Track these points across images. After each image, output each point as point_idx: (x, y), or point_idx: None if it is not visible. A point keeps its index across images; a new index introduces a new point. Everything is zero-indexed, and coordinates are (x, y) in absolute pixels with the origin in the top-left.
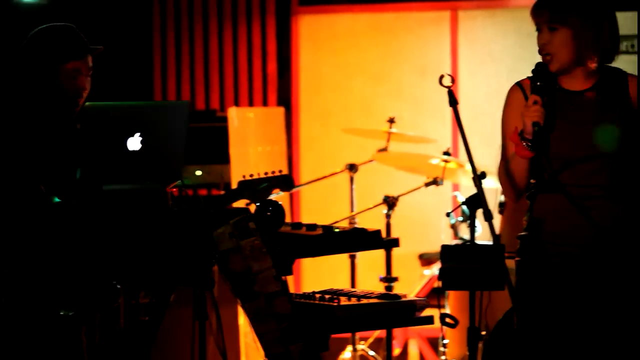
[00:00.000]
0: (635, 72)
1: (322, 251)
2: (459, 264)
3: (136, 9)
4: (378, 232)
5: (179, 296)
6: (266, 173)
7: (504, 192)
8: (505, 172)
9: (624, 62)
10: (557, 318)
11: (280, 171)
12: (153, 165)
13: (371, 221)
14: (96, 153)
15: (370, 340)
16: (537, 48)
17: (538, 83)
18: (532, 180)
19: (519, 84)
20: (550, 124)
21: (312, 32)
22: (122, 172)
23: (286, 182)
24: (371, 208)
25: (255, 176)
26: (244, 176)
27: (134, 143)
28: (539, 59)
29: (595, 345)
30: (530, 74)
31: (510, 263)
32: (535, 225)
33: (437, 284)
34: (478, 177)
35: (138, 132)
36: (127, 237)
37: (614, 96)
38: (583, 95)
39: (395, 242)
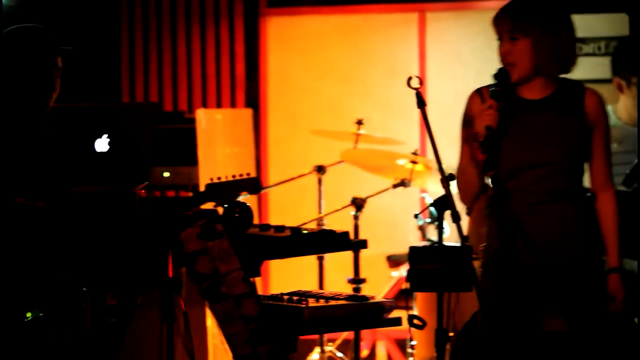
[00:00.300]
0: (604, 75)
1: (290, 253)
2: (426, 265)
3: (104, 10)
4: (346, 233)
5: (146, 298)
6: (234, 176)
7: (459, 195)
8: (460, 175)
9: (594, 64)
10: (518, 324)
11: (248, 174)
12: (121, 166)
13: (339, 223)
14: (64, 155)
15: (338, 341)
16: None
17: (496, 88)
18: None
19: (478, 91)
20: (503, 129)
21: (280, 33)
22: (90, 174)
23: (254, 185)
24: (339, 210)
25: (224, 179)
26: (211, 179)
27: (102, 144)
28: None
29: (554, 346)
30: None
31: (478, 264)
32: (493, 237)
33: (405, 285)
34: (446, 179)
35: (106, 133)
36: (94, 238)
37: (570, 107)
38: (540, 104)
39: (363, 244)
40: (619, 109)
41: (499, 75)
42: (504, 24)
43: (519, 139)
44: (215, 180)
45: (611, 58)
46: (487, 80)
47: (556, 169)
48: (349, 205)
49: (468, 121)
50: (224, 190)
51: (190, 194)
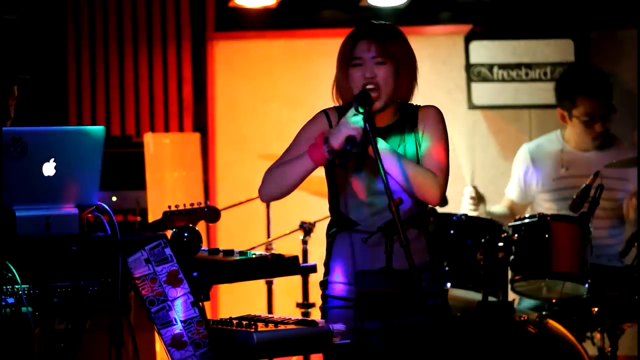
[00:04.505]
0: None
1: (239, 277)
2: (375, 290)
3: (49, 33)
4: (295, 258)
5: (95, 322)
6: (192, 204)
7: (264, 188)
8: (278, 171)
9: (540, 90)
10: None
11: (206, 202)
12: (68, 190)
13: (288, 247)
14: (10, 178)
15: None
16: (452, 73)
17: (362, 111)
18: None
19: (324, 112)
20: (361, 149)
21: (227, 57)
22: (37, 198)
23: (212, 213)
24: (288, 234)
25: (181, 207)
26: (169, 207)
27: (49, 168)
28: (455, 85)
29: None
30: (357, 105)
31: None
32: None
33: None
34: (395, 204)
35: (53, 157)
36: (42, 262)
37: (409, 129)
38: (386, 131)
39: (312, 268)
40: (566, 133)
41: (363, 96)
42: (369, 47)
43: (369, 167)
44: (173, 209)
45: (554, 88)
46: (434, 104)
47: (405, 196)
48: (297, 230)
49: (309, 131)
50: (182, 219)
51: (138, 219)
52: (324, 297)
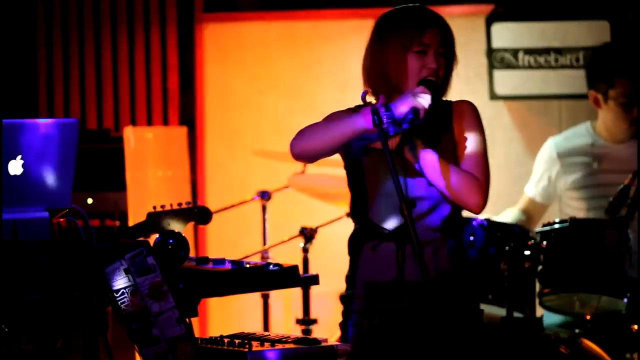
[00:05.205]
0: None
1: (231, 289)
2: (385, 304)
3: (16, 14)
4: (294, 267)
5: (67, 341)
6: (180, 204)
7: (299, 139)
8: (321, 125)
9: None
10: None
11: (196, 202)
12: (37, 192)
13: (286, 255)
14: None
15: None
16: (471, 60)
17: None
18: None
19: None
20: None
21: (218, 42)
22: (2, 200)
23: (203, 214)
24: (286, 241)
25: (168, 207)
26: (154, 207)
27: (16, 167)
28: (474, 73)
29: None
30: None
31: None
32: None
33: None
34: (407, 206)
35: (20, 154)
36: (7, 273)
37: (443, 127)
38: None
39: (314, 280)
40: (597, 125)
41: (430, 84)
42: (435, 36)
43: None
44: (159, 209)
45: (585, 69)
46: (454, 93)
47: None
48: (297, 236)
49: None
50: (168, 221)
51: (117, 223)
52: (347, 312)
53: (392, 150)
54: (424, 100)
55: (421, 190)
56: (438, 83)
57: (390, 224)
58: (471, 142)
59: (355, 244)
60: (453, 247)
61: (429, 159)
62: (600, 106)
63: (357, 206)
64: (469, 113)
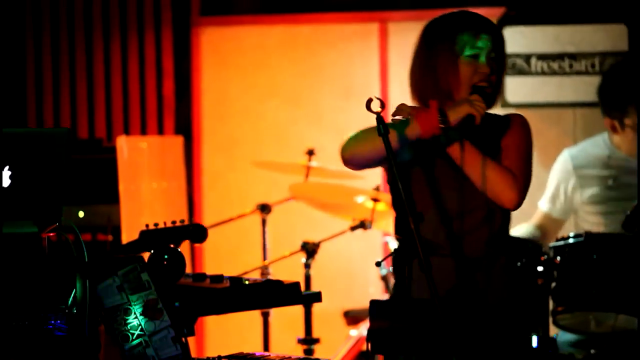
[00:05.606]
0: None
1: (229, 307)
2: (390, 322)
3: (4, 19)
4: (296, 284)
5: None
6: (173, 222)
7: (352, 143)
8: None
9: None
10: None
11: (191, 220)
12: (26, 204)
13: (288, 272)
14: None
15: None
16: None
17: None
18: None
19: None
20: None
21: (215, 46)
22: None
23: (198, 232)
24: (287, 256)
25: (161, 225)
26: (147, 225)
27: (3, 178)
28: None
29: None
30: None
31: None
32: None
33: (365, 346)
34: (415, 219)
35: (8, 165)
36: None
37: (493, 142)
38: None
39: (316, 297)
40: (615, 138)
41: (481, 90)
42: (488, 41)
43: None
44: (152, 227)
45: (598, 95)
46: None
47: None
48: (298, 251)
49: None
50: (162, 239)
51: (110, 238)
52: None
53: (445, 159)
54: (480, 107)
55: (477, 200)
56: (490, 89)
57: (437, 237)
58: (516, 148)
59: (400, 261)
60: (504, 264)
61: (470, 153)
62: (618, 132)
63: (402, 219)
64: (518, 124)
